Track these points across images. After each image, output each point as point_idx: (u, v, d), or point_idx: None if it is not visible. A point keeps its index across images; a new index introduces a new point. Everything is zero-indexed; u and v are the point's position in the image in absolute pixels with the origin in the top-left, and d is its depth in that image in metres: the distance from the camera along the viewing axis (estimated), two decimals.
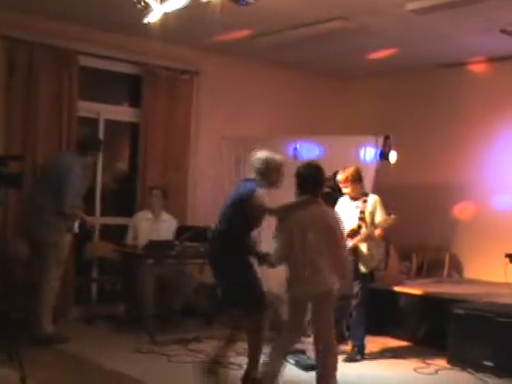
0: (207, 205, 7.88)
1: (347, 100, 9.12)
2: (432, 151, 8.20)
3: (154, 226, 7.07)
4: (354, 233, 5.89)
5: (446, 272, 7.94)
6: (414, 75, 8.43)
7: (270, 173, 5.01)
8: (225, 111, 8.14)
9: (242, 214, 4.88)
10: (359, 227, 5.90)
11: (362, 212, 5.91)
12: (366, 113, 8.88)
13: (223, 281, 5.06)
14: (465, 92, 8.03)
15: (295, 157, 7.42)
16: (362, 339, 6.01)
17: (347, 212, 5.94)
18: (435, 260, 8.01)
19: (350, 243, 5.77)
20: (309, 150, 7.37)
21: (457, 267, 8.08)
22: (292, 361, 5.70)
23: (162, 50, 7.43)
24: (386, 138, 6.89)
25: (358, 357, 5.94)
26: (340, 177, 6.04)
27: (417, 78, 8.45)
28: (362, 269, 5.95)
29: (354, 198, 6.02)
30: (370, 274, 6.02)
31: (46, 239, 5.94)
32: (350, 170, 5.99)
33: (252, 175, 5.05)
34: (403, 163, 7.27)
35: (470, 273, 7.97)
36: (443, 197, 7.97)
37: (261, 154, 5.07)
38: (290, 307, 4.76)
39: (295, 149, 7.44)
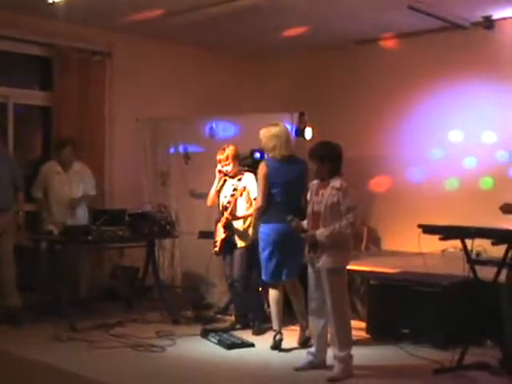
0: (124, 188, 7.80)
1: (262, 78, 9.13)
2: (347, 126, 8.29)
3: (65, 179, 6.88)
4: (225, 209, 6.16)
5: (363, 245, 8.12)
6: (327, 52, 8.51)
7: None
8: (140, 92, 8.02)
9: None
10: (229, 203, 6.11)
11: (235, 189, 6.09)
12: (281, 91, 8.91)
13: (293, 252, 5.45)
14: (377, 68, 8.18)
15: (212, 136, 7.43)
16: (258, 308, 6.28)
17: (226, 190, 6.22)
18: (353, 234, 8.15)
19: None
20: (225, 129, 7.38)
21: (374, 240, 8.27)
22: (214, 340, 5.73)
23: (72, 30, 7.30)
24: (301, 114, 6.94)
25: (263, 326, 6.10)
26: (221, 155, 6.20)
27: (330, 55, 8.54)
28: (240, 243, 6.13)
29: (233, 177, 6.22)
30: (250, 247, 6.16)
31: None
32: (231, 148, 6.19)
33: (283, 151, 5.60)
34: (319, 139, 7.33)
35: (387, 245, 8.18)
36: (359, 171, 8.08)
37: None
38: (344, 279, 4.91)
39: (211, 128, 7.45)
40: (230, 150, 6.17)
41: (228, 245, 6.16)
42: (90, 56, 7.72)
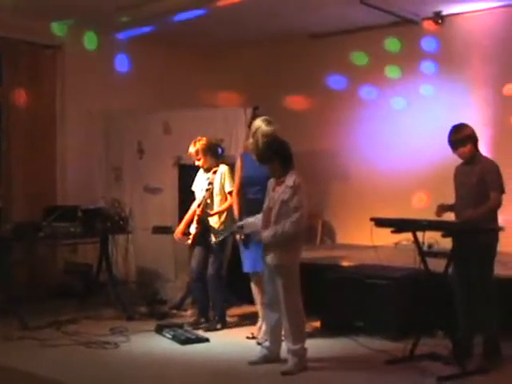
0: (77, 183, 7.70)
1: (218, 73, 9.06)
2: (302, 120, 8.32)
3: None
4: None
5: (318, 239, 8.16)
6: (282, 46, 8.50)
7: None
8: (93, 86, 7.86)
9: None
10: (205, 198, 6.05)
11: (211, 183, 6.03)
12: (236, 85, 8.88)
13: None
14: (330, 62, 8.20)
15: (166, 130, 7.38)
16: (222, 308, 6.13)
17: (200, 184, 6.13)
18: (308, 227, 8.13)
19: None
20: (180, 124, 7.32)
21: (329, 233, 8.32)
22: (169, 335, 5.70)
23: (22, 24, 7.13)
24: (255, 108, 6.94)
25: (219, 326, 6.04)
26: (191, 149, 6.12)
27: (284, 49, 8.53)
28: (213, 239, 6.02)
29: (207, 170, 6.13)
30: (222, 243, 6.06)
31: None
32: (201, 142, 6.09)
33: None
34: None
35: (341, 238, 8.23)
36: (313, 165, 8.14)
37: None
38: (295, 274, 4.90)
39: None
40: (199, 145, 6.07)
41: (198, 239, 6.07)
42: (40, 50, 7.59)
